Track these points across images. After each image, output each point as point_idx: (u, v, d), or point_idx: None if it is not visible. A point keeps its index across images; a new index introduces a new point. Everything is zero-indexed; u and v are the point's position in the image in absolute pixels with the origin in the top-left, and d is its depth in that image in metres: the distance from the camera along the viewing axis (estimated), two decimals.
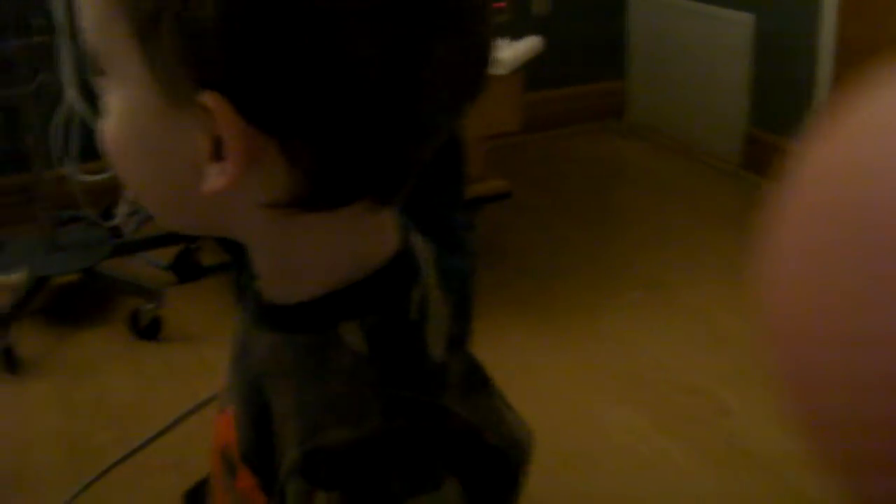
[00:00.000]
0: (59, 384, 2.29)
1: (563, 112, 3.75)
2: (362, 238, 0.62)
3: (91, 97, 2.53)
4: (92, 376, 2.32)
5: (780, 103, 3.21)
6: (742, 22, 3.26)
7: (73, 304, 2.61)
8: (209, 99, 0.51)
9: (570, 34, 3.69)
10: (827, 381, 0.36)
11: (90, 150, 2.56)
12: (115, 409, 2.21)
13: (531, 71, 2.72)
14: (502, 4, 3.50)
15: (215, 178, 0.54)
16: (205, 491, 1.64)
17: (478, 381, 0.65)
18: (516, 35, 3.38)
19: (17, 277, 2.40)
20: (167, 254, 2.69)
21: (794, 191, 0.38)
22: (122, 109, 0.57)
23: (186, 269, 2.68)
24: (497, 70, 2.51)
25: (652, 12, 3.68)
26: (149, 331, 2.40)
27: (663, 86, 3.68)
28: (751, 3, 3.24)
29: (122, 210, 2.59)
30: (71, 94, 2.48)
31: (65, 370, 2.35)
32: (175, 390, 2.14)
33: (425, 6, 0.53)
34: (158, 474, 1.96)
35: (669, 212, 3.12)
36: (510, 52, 2.57)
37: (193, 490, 1.90)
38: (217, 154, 0.54)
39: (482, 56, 0.58)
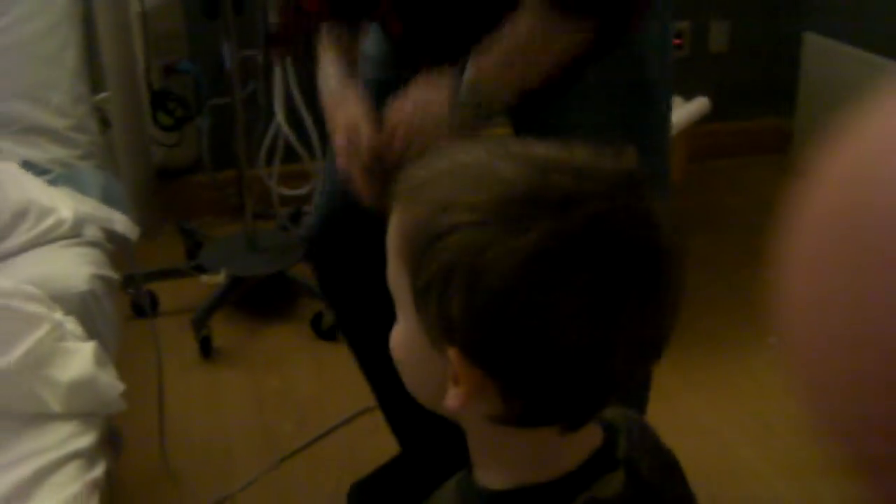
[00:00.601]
0: (249, 373, 2.59)
1: (730, 145, 3.89)
2: (565, 442, 0.83)
3: (296, 121, 2.84)
4: (278, 369, 2.60)
5: None
6: None
7: (264, 301, 2.89)
8: (452, 352, 0.76)
9: (744, 72, 3.84)
10: (835, 385, 0.37)
11: (290, 157, 2.88)
12: (297, 401, 2.48)
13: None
14: (679, 41, 3.68)
15: (453, 398, 0.79)
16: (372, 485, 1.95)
17: None
18: (694, 70, 3.55)
19: (217, 277, 2.70)
20: None
21: (806, 198, 0.39)
22: (404, 331, 0.83)
23: None
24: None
25: (825, 58, 3.78)
26: (329, 333, 2.68)
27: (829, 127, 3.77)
28: None
29: None
30: (280, 118, 2.78)
31: (254, 361, 2.64)
32: (351, 390, 2.35)
33: (623, 287, 0.75)
34: (331, 467, 2.23)
35: None
36: (680, 113, 2.73)
37: (361, 482, 2.18)
38: (456, 381, 0.78)
39: (668, 322, 0.79)
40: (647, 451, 0.89)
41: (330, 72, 1.48)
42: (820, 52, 3.81)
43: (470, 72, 1.33)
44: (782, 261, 0.40)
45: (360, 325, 1.82)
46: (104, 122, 2.10)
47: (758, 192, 3.69)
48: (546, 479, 0.83)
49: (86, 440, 1.25)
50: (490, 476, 0.86)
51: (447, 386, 0.79)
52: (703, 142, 3.44)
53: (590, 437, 0.86)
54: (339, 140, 1.39)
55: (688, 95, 3.02)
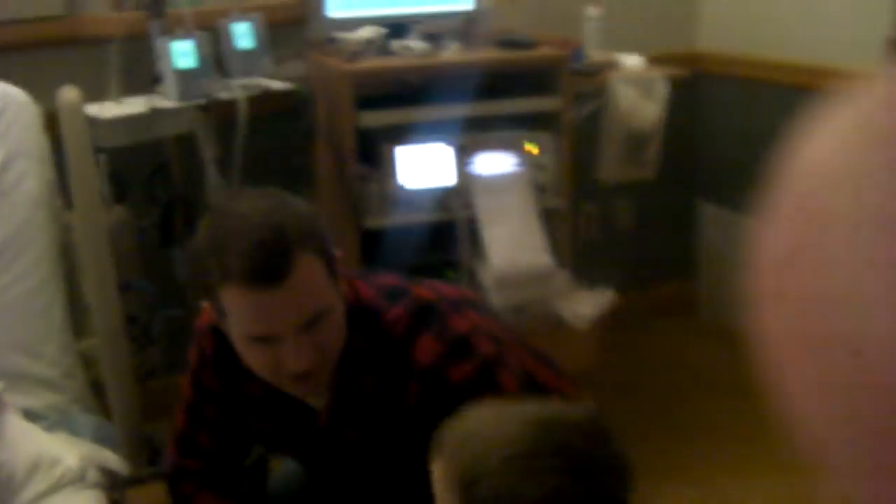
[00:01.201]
0: None
1: (640, 312, 4.26)
2: None
3: None
4: None
5: None
6: None
7: None
8: None
9: (649, 242, 4.25)
10: (798, 385, 0.38)
11: None
12: None
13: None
14: (587, 221, 4.07)
15: None
16: None
17: None
18: (602, 251, 3.93)
19: None
20: None
21: (766, 215, 0.42)
22: None
23: None
24: (582, 324, 3.05)
25: (721, 227, 4.20)
26: None
27: (733, 290, 4.17)
28: None
29: None
30: None
31: None
32: None
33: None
34: None
35: (741, 410, 3.55)
36: (589, 307, 3.08)
37: None
38: None
39: None
40: None
41: None
42: (714, 220, 4.23)
43: None
44: (750, 286, 0.41)
45: None
46: (89, 366, 2.38)
47: (672, 354, 4.05)
48: None
49: None
50: None
51: None
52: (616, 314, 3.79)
53: None
54: None
55: (597, 273, 3.36)
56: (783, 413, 0.40)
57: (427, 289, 1.78)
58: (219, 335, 1.75)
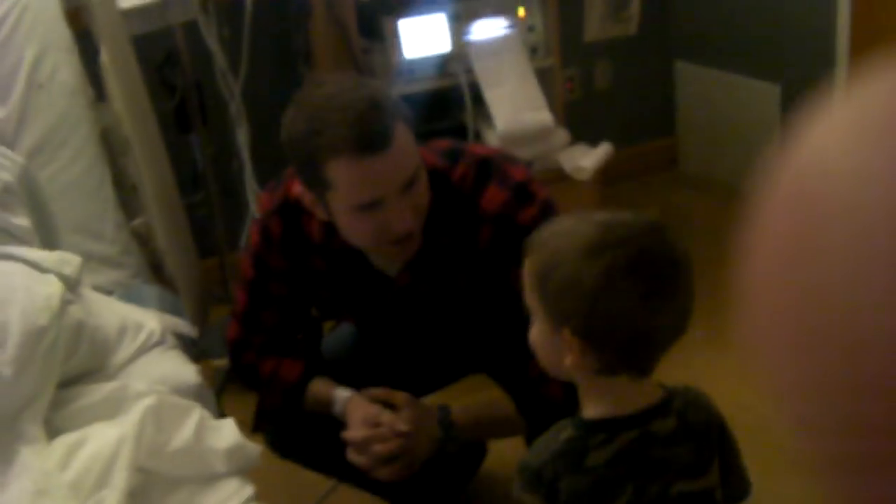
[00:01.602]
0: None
1: (627, 168, 4.42)
2: (634, 391, 1.43)
3: None
4: None
5: None
6: (771, 91, 3.94)
7: None
8: (565, 331, 1.34)
9: (628, 101, 4.39)
10: (799, 386, 0.38)
11: None
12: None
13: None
14: (570, 85, 4.20)
15: (568, 360, 1.36)
16: None
17: None
18: (585, 112, 4.07)
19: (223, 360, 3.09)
20: None
21: (763, 205, 0.41)
22: (537, 329, 1.42)
23: None
24: (583, 176, 3.20)
25: (696, 80, 4.35)
26: None
27: (709, 143, 4.35)
28: (778, 77, 3.91)
29: None
30: (253, 207, 3.20)
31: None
32: None
33: (658, 287, 1.34)
34: None
35: (719, 252, 3.74)
36: (590, 160, 3.23)
37: None
38: (570, 349, 1.34)
39: (685, 316, 1.39)
40: (698, 407, 1.47)
41: (340, 392, 1.98)
42: (690, 77, 4.38)
43: (451, 418, 1.94)
44: (742, 277, 0.40)
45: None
46: (144, 243, 2.49)
47: (657, 207, 4.23)
48: (620, 414, 1.42)
49: (249, 490, 1.66)
50: (589, 410, 1.45)
51: (564, 354, 1.38)
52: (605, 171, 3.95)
53: (652, 393, 1.46)
54: (354, 435, 1.89)
55: (584, 132, 3.51)
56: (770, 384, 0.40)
57: (477, 146, 1.92)
58: (286, 216, 1.91)
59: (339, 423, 1.94)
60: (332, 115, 1.64)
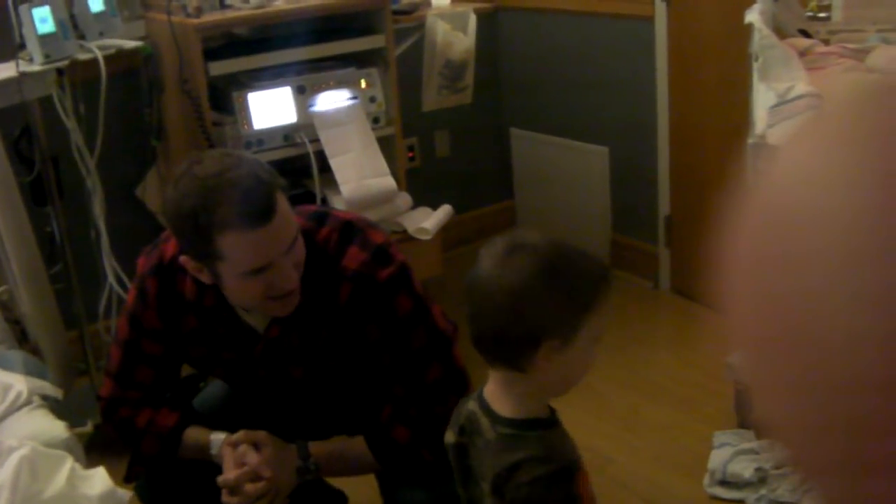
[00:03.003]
0: None
1: (469, 231, 4.65)
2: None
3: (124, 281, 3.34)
4: None
5: (634, 213, 4.20)
6: (600, 153, 4.24)
7: None
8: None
9: (467, 168, 4.64)
10: (775, 386, 0.39)
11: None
12: None
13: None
14: (411, 154, 4.43)
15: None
16: None
17: None
18: (426, 178, 4.29)
19: (86, 428, 3.16)
20: None
21: (738, 227, 0.41)
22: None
23: None
24: (425, 236, 3.41)
25: (530, 145, 4.63)
26: None
27: (545, 203, 4.62)
28: (606, 139, 4.22)
29: None
30: (111, 278, 3.30)
31: None
32: None
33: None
34: None
35: None
36: (431, 221, 3.45)
37: None
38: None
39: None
40: None
41: (216, 435, 2.12)
42: (524, 143, 4.66)
43: (308, 450, 2.09)
44: (722, 284, 0.40)
45: None
46: (7, 311, 2.58)
47: None
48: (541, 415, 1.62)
49: None
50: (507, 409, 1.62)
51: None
52: (448, 234, 4.17)
53: None
54: (227, 477, 2.02)
55: (425, 198, 3.72)
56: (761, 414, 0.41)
57: (340, 211, 2.11)
58: (162, 276, 2.05)
59: (207, 474, 2.06)
60: (219, 194, 1.79)
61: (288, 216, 1.88)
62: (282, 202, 1.85)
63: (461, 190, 4.47)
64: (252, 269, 1.84)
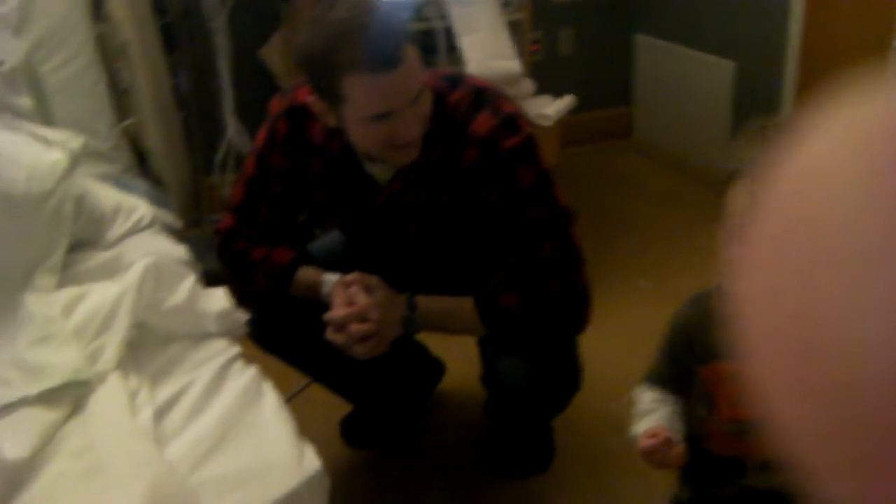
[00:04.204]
0: None
1: (584, 132, 4.61)
2: None
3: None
4: None
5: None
6: (726, 67, 4.14)
7: None
8: None
9: (588, 68, 4.58)
10: (786, 389, 0.38)
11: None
12: None
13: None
14: (536, 47, 4.37)
15: None
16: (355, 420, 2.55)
17: None
18: (547, 73, 4.24)
19: None
20: None
21: (759, 215, 0.40)
22: None
23: None
24: (546, 123, 3.38)
25: (653, 55, 4.55)
26: None
27: (663, 114, 4.55)
28: (734, 54, 4.11)
29: None
30: (231, 132, 3.33)
31: None
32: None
33: None
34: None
35: (667, 214, 3.96)
36: (554, 107, 3.41)
37: (346, 418, 2.75)
38: None
39: None
40: None
41: (328, 276, 2.14)
42: (649, 50, 4.57)
43: (418, 304, 2.10)
44: (738, 281, 0.41)
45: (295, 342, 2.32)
46: (134, 142, 2.62)
47: (611, 171, 4.42)
48: None
49: (235, 349, 1.82)
50: None
51: None
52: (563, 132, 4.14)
53: None
54: (335, 314, 2.03)
55: (548, 91, 3.68)
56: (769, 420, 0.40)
57: (474, 77, 2.09)
58: (293, 119, 2.07)
59: (317, 319, 2.07)
60: (348, 36, 1.79)
61: (415, 69, 1.86)
62: (411, 53, 1.84)
63: (580, 90, 4.41)
64: (374, 114, 1.85)
